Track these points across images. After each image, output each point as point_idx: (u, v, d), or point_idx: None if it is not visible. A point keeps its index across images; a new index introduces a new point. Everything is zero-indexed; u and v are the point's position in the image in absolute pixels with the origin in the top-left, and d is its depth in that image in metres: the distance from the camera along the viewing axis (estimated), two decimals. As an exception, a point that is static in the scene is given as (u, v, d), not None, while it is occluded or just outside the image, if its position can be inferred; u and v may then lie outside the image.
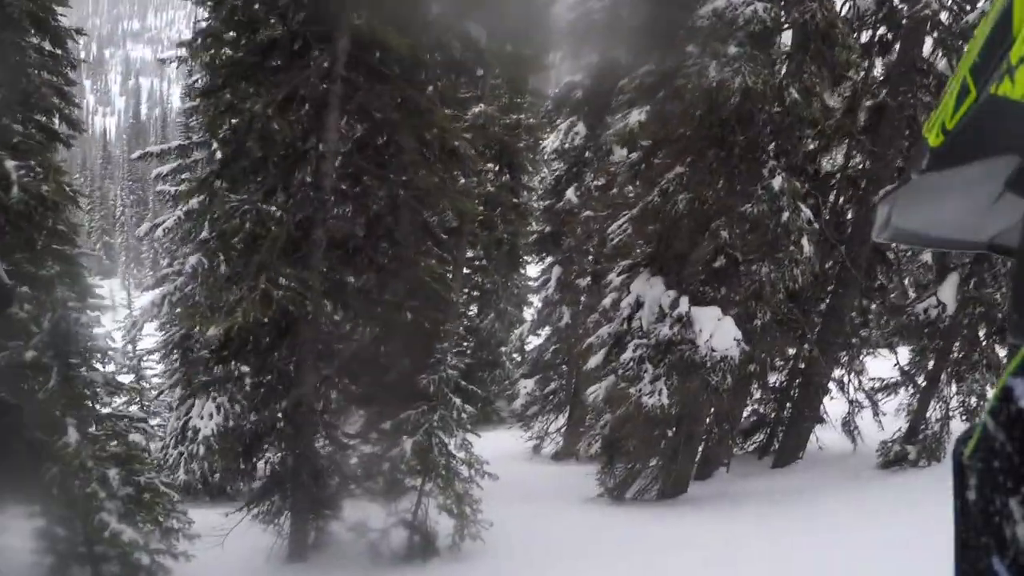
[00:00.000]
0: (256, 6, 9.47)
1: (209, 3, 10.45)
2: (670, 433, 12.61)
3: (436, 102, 9.50)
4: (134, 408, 9.83)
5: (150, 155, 17.76)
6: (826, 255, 13.36)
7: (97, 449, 9.49)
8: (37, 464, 7.48)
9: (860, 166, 13.88)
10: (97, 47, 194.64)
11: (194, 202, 14.51)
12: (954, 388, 13.40)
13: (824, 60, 11.00)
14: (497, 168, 24.91)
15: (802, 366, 14.85)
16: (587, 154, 19.73)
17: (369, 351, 10.03)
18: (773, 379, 15.31)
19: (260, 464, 11.52)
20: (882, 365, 14.83)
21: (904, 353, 14.39)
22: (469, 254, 25.65)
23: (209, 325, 9.48)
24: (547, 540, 10.60)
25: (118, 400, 11.25)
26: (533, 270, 26.14)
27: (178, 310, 17.23)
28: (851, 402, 15.01)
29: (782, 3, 11.04)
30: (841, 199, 14.31)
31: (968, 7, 12.49)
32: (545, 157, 22.27)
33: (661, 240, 11.65)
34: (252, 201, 8.71)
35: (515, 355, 26.39)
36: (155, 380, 22.33)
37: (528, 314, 25.93)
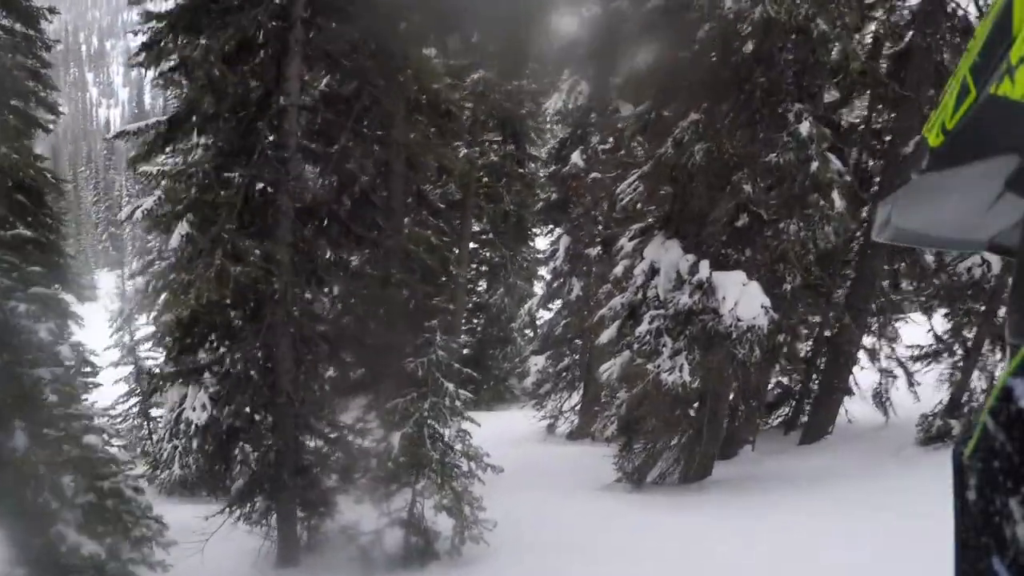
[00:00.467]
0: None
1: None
2: (692, 412, 11.50)
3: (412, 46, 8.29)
4: (94, 406, 8.75)
5: (126, 133, 16.65)
6: (855, 212, 12.20)
7: (50, 454, 8.49)
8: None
9: (884, 118, 12.90)
10: (98, 40, 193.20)
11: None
12: (999, 356, 12.17)
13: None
14: (501, 138, 24.20)
15: (827, 334, 13.85)
16: (592, 116, 18.54)
17: (351, 333, 8.90)
18: (798, 348, 14.27)
19: (242, 461, 10.49)
20: (915, 332, 13.81)
21: (939, 320, 13.22)
22: (475, 228, 24.88)
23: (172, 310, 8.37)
24: (559, 536, 9.53)
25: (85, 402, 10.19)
26: (542, 242, 25.56)
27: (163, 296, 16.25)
28: (882, 371, 14.11)
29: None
30: (864, 153, 13.18)
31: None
32: (548, 119, 21.15)
33: (676, 198, 10.47)
34: (200, 163, 7.57)
35: (527, 331, 25.51)
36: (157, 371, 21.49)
37: (538, 288, 25.06)
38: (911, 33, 12.04)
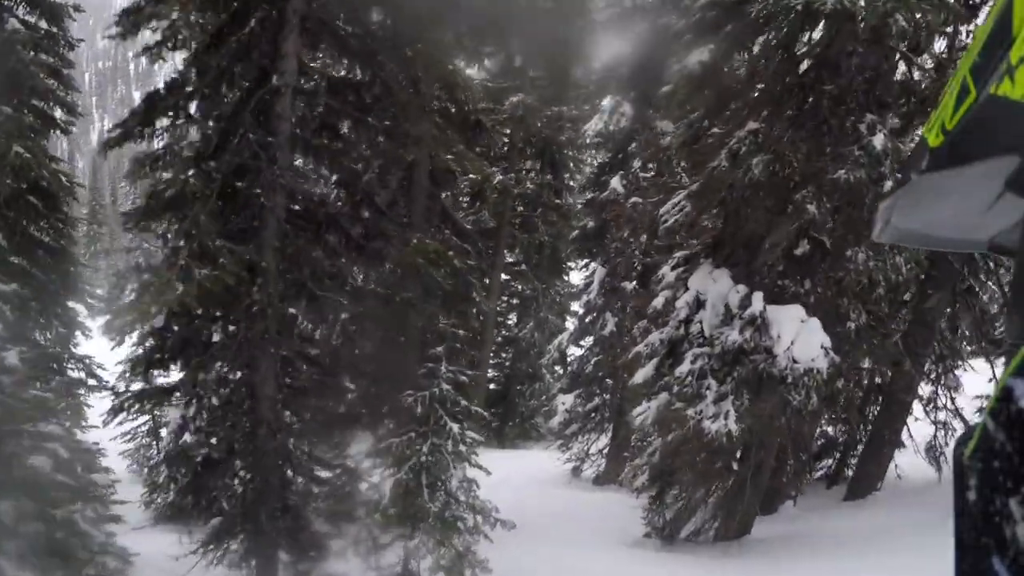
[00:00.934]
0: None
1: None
2: (735, 464, 10.14)
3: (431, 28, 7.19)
4: (53, 428, 7.64)
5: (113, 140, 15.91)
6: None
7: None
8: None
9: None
10: (147, 59, 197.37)
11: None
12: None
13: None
14: (539, 166, 23.47)
15: (878, 380, 12.56)
16: (633, 142, 17.42)
17: (344, 357, 7.71)
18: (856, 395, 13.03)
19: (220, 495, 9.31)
20: (975, 380, 12.83)
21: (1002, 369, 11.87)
22: (508, 259, 24.01)
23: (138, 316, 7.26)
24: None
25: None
26: (576, 277, 24.80)
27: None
28: (936, 423, 13.34)
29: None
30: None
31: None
32: (587, 143, 20.16)
33: (728, 221, 9.24)
34: (176, 150, 6.51)
35: (556, 367, 24.39)
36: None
37: (570, 323, 23.98)
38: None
